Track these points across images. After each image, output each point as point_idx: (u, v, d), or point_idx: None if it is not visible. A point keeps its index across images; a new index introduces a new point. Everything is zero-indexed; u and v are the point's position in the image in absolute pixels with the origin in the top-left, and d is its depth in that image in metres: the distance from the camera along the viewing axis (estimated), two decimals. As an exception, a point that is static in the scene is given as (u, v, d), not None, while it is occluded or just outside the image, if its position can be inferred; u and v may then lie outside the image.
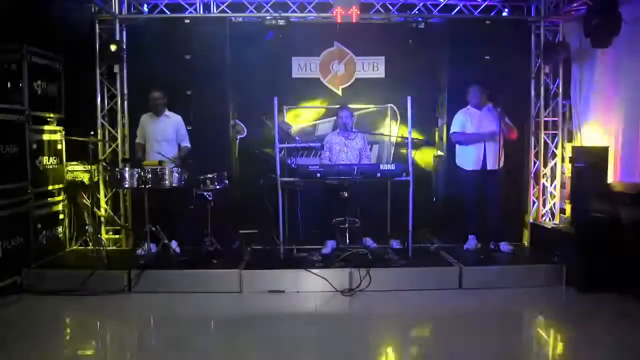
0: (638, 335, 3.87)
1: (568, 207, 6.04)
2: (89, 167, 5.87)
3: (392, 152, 6.80)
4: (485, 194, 5.47)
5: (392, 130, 6.70)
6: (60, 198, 5.70)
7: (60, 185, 5.70)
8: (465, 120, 5.50)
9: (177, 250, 5.44)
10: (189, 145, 5.56)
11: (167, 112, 5.55)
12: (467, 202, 5.54)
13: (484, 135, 5.38)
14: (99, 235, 5.27)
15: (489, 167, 5.38)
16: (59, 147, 5.71)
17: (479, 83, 5.53)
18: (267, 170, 5.62)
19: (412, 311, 4.54)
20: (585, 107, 6.13)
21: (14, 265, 4.79)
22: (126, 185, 5.19)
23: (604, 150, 5.54)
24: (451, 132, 5.59)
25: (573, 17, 6.12)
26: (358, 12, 5.84)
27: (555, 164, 6.49)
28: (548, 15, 6.29)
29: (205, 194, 5.28)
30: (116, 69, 6.13)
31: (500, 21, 6.33)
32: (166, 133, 5.50)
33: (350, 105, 5.95)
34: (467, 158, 5.51)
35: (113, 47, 5.82)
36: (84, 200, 5.71)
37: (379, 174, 5.13)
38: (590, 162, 5.56)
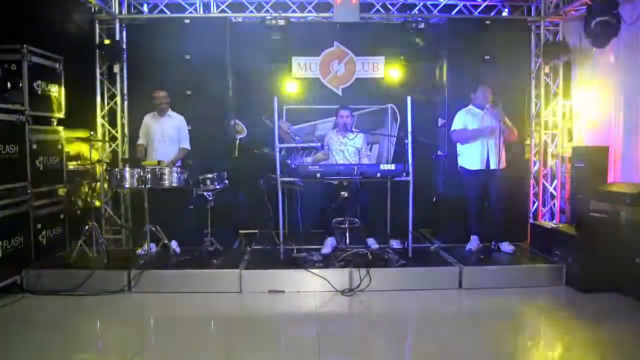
0: (638, 336, 3.87)
1: (568, 207, 6.05)
2: (89, 166, 5.88)
3: (392, 152, 6.80)
4: (487, 194, 5.45)
5: (392, 130, 6.70)
6: (60, 197, 5.70)
7: (61, 186, 5.69)
8: (467, 119, 5.49)
9: (177, 250, 5.44)
10: (188, 147, 5.57)
11: (169, 112, 5.55)
12: (469, 203, 5.53)
13: (483, 132, 5.37)
14: (100, 235, 5.27)
15: (491, 167, 5.36)
16: (59, 147, 5.71)
17: (480, 83, 5.51)
18: (267, 170, 5.62)
19: (412, 311, 4.54)
20: (585, 107, 6.13)
21: (14, 265, 4.78)
22: (126, 185, 5.20)
23: (604, 150, 5.55)
24: (452, 130, 5.57)
25: (573, 17, 6.13)
26: None
27: (555, 163, 6.50)
28: (548, 15, 6.30)
29: (205, 194, 5.29)
30: (116, 69, 6.14)
31: (500, 21, 6.33)
32: (169, 133, 5.50)
33: (351, 105, 5.93)
34: (471, 158, 5.48)
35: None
36: (85, 191, 5.73)
37: (378, 174, 5.11)
38: (590, 162, 5.57)
